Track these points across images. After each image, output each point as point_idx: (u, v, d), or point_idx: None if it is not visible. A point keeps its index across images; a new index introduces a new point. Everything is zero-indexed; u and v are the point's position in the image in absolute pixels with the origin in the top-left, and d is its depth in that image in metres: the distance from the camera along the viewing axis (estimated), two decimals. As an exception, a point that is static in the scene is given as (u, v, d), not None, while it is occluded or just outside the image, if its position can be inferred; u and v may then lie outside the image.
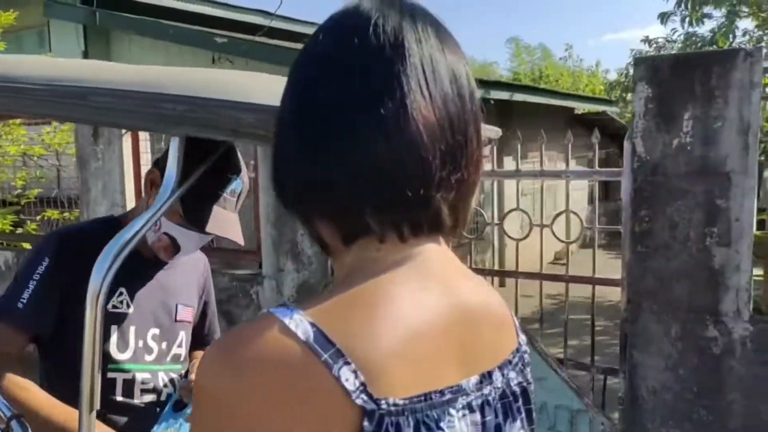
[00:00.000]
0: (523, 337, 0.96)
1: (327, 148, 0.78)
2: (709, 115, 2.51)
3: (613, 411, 2.99)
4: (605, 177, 2.89)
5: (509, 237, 3.10)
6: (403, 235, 0.79)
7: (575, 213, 2.93)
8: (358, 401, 0.70)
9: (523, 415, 0.91)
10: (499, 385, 0.87)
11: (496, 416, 0.85)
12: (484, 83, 9.72)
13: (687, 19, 6.39)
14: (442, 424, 0.76)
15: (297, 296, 3.51)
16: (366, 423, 0.70)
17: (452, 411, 0.79)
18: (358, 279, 0.79)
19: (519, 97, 10.14)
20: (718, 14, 6.70)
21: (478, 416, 0.82)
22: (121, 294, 1.68)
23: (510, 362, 0.90)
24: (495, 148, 3.05)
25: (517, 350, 0.93)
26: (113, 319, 1.66)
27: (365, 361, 0.72)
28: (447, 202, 0.80)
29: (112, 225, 1.75)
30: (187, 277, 1.88)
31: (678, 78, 2.55)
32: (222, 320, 3.89)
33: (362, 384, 0.71)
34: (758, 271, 2.63)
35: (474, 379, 0.83)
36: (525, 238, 3.08)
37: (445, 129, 0.78)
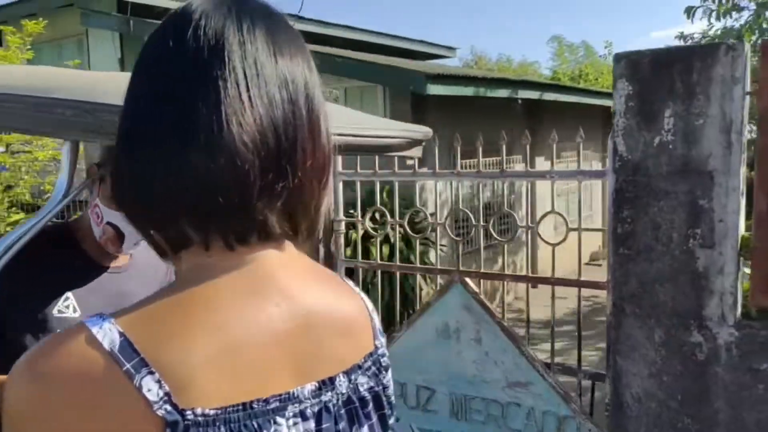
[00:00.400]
0: (381, 341, 0.94)
1: (142, 156, 0.77)
2: (691, 112, 2.42)
3: (602, 417, 2.91)
4: (590, 177, 2.81)
5: (498, 239, 3.04)
6: (229, 243, 0.78)
7: (560, 214, 2.86)
8: (160, 412, 0.69)
9: (374, 420, 0.89)
10: (344, 391, 0.85)
11: (337, 423, 0.83)
12: (511, 83, 9.61)
13: (713, 13, 6.18)
14: None
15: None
16: None
17: (280, 419, 0.77)
18: (183, 286, 0.78)
19: (549, 96, 10.00)
20: (753, 7, 6.48)
21: (312, 424, 0.80)
22: (67, 299, 1.69)
23: (360, 367, 0.88)
24: (500, 147, 3.00)
25: (371, 354, 0.91)
26: (59, 324, 1.68)
27: (172, 371, 0.70)
28: (274, 210, 0.78)
29: (61, 231, 1.77)
30: (145, 282, 1.88)
31: (658, 74, 2.47)
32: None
33: (166, 394, 0.69)
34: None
35: (310, 386, 0.81)
36: (511, 240, 3.03)
37: (267, 135, 0.76)
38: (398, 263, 3.31)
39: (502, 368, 3.01)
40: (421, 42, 14.25)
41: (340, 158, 3.34)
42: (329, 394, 0.83)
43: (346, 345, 0.88)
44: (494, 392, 3.05)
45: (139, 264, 1.79)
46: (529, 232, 3.04)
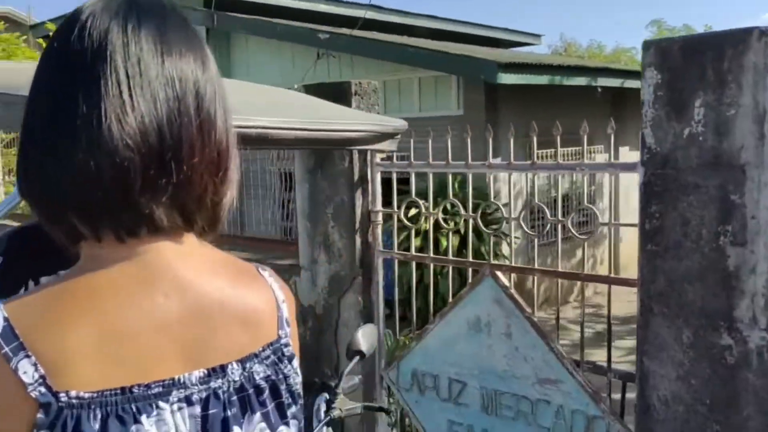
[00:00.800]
0: (286, 331, 0.96)
1: (32, 151, 0.83)
2: (722, 102, 2.28)
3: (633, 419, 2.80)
4: (621, 170, 2.70)
5: (529, 233, 2.98)
6: (119, 236, 0.82)
7: (591, 207, 2.77)
8: (34, 393, 0.74)
9: (270, 408, 0.91)
10: (237, 378, 0.88)
11: (226, 409, 0.86)
12: (590, 70, 9.31)
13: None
14: (142, 417, 0.79)
15: (329, 287, 3.58)
16: (40, 415, 0.75)
17: (162, 404, 0.81)
18: (74, 275, 0.83)
19: (633, 83, 9.60)
20: None
21: (197, 409, 0.84)
22: None
23: (257, 356, 0.90)
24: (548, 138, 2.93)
25: (271, 344, 0.93)
26: None
27: (49, 355, 0.76)
28: (161, 204, 0.81)
29: None
30: None
31: (688, 62, 2.34)
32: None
33: (41, 377, 0.75)
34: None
35: (198, 373, 0.85)
36: (544, 232, 2.96)
37: (149, 133, 0.79)
38: (431, 255, 3.30)
39: (532, 364, 2.96)
40: (505, 30, 14.00)
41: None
42: (219, 381, 0.86)
43: (245, 334, 0.90)
44: (524, 388, 3.00)
45: None
46: (612, 227, 2.96)
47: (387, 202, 3.44)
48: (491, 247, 3.14)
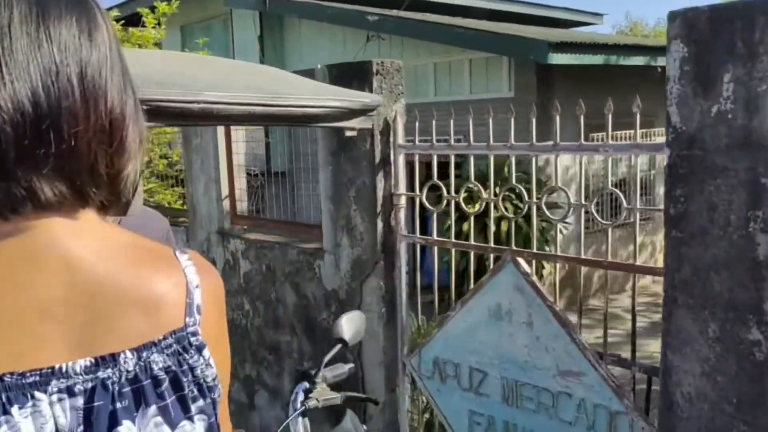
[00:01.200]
0: (195, 319, 0.89)
1: None
2: (753, 76, 2.09)
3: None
4: (646, 151, 2.53)
5: (552, 218, 2.84)
6: (1, 212, 0.78)
7: (618, 192, 2.61)
8: None
9: (169, 402, 0.85)
10: (131, 369, 0.82)
11: (115, 402, 0.80)
12: (648, 49, 8.91)
13: None
14: (13, 408, 0.74)
15: (352, 272, 3.52)
16: None
17: (39, 394, 0.76)
18: None
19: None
20: None
21: (80, 400, 0.79)
22: None
23: (156, 344, 0.84)
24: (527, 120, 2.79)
25: (174, 332, 0.87)
26: None
27: None
28: (42, 176, 0.77)
29: None
30: None
31: (717, 33, 2.16)
32: (291, 291, 4.02)
33: None
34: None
35: (84, 361, 0.80)
36: (564, 219, 2.82)
37: (21, 101, 0.75)
38: (453, 240, 3.20)
39: (553, 355, 2.83)
40: (564, 9, 13.57)
41: (400, 131, 3.26)
42: (109, 370, 0.80)
43: (144, 321, 0.84)
44: (545, 380, 2.87)
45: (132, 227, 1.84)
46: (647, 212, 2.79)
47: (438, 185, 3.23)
48: (513, 234, 3.00)
